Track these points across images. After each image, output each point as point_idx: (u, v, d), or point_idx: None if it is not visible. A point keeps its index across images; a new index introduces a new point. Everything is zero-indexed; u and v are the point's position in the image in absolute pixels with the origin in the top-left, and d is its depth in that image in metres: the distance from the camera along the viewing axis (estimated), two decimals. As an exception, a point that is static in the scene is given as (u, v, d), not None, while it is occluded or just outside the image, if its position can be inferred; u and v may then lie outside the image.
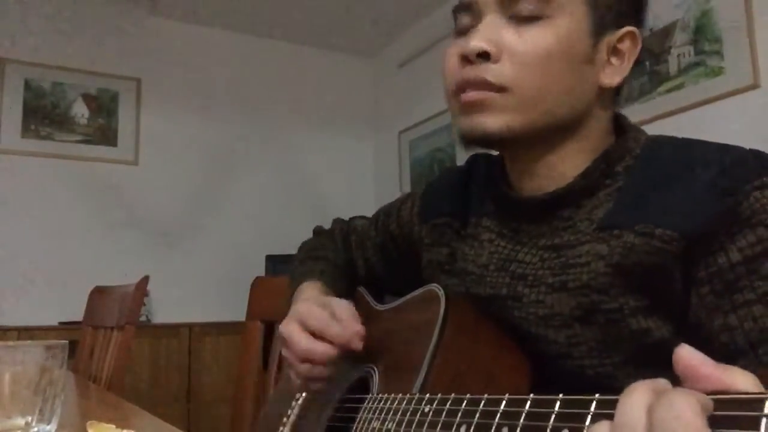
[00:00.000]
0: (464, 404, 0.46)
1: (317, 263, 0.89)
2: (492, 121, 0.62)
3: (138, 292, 1.62)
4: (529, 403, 0.39)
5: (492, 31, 0.63)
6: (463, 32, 0.67)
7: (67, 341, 0.64)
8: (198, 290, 3.49)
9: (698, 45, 2.31)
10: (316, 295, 0.79)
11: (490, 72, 0.62)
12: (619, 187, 0.63)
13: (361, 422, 0.65)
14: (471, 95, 0.63)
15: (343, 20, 3.77)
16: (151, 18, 3.65)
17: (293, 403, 0.84)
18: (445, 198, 0.81)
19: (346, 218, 1.00)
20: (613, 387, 0.33)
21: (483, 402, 0.44)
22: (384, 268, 0.90)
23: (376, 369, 0.72)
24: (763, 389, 0.28)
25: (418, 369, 0.62)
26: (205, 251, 3.60)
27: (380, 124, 4.22)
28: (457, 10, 0.68)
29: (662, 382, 0.30)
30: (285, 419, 0.83)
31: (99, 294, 1.92)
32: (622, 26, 0.66)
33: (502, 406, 0.42)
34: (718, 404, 0.28)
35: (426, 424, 0.50)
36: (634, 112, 2.44)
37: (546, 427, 0.36)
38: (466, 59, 0.63)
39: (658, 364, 0.42)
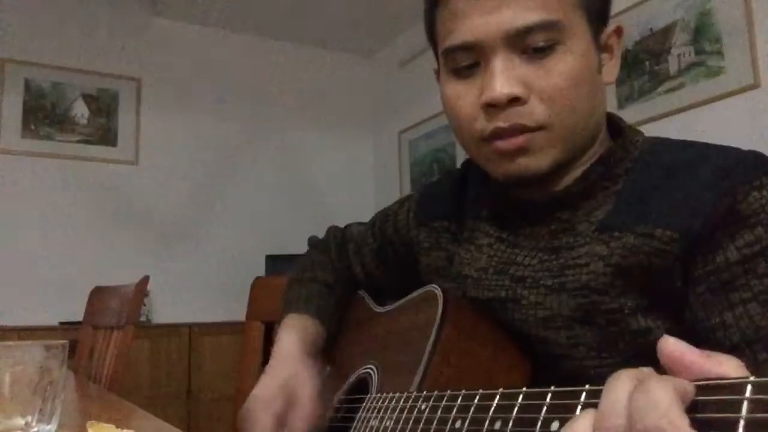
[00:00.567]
0: (459, 400, 0.47)
1: (303, 287, 0.90)
2: (539, 162, 0.62)
3: (138, 292, 1.62)
4: (521, 396, 0.40)
5: (512, 72, 0.60)
6: (464, 73, 0.64)
7: (67, 341, 0.64)
8: (198, 290, 3.50)
9: (698, 45, 2.31)
10: (289, 357, 0.78)
11: (524, 116, 0.60)
12: (618, 189, 0.63)
13: (360, 421, 0.65)
14: (512, 142, 0.61)
15: (343, 20, 3.77)
16: (151, 18, 3.65)
17: None
18: (442, 201, 0.80)
19: (346, 219, 1.01)
20: None
21: (477, 397, 0.45)
22: (382, 272, 0.90)
23: (375, 369, 0.73)
24: (747, 373, 0.29)
25: (416, 369, 0.62)
26: (205, 251, 3.60)
27: (380, 124, 4.23)
28: (454, 50, 0.63)
29: (646, 371, 0.31)
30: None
31: (99, 294, 1.92)
32: (605, 23, 0.66)
33: (496, 401, 0.42)
34: (700, 390, 0.28)
35: (423, 421, 0.51)
36: (634, 112, 2.44)
37: (537, 419, 0.37)
38: (491, 106, 0.61)
39: (658, 363, 0.42)
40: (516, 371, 0.64)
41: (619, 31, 0.67)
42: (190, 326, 3.22)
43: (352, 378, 0.78)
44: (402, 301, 0.77)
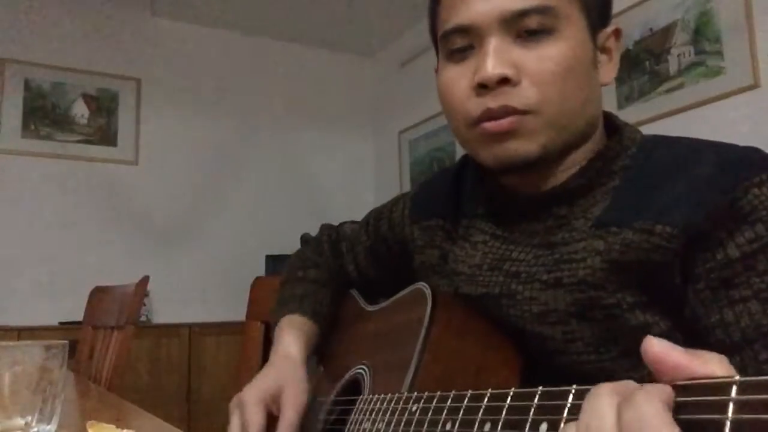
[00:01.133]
0: (449, 401, 0.47)
1: (297, 285, 0.90)
2: (528, 146, 0.61)
3: (138, 292, 1.62)
4: (510, 397, 0.40)
5: (505, 54, 0.61)
6: (458, 56, 0.65)
7: (67, 341, 0.64)
8: (198, 290, 3.50)
9: (698, 45, 2.31)
10: (286, 358, 0.78)
11: (513, 98, 0.60)
12: (616, 186, 0.63)
13: (353, 423, 0.65)
14: (500, 123, 0.61)
15: (343, 20, 3.77)
16: (151, 18, 3.65)
17: None
18: (436, 199, 0.80)
19: (346, 218, 1.01)
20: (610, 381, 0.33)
21: (467, 398, 0.45)
22: (376, 271, 0.90)
23: (367, 369, 0.73)
24: (733, 372, 0.28)
25: (406, 368, 0.62)
26: (205, 251, 3.60)
27: (380, 124, 4.23)
28: (450, 33, 0.64)
29: (629, 385, 0.30)
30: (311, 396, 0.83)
31: (99, 294, 1.92)
32: (605, 24, 0.66)
33: (485, 402, 0.42)
34: (685, 390, 0.28)
35: (414, 423, 0.51)
36: (634, 112, 2.44)
37: (526, 420, 0.37)
38: (482, 86, 0.61)
39: None
40: (508, 368, 0.64)
41: (617, 33, 0.67)
42: (190, 326, 3.22)
43: (345, 378, 0.78)
44: (391, 300, 0.77)
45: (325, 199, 3.93)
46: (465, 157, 0.80)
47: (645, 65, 2.48)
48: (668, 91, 2.39)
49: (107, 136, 3.50)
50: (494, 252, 0.69)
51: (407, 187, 3.83)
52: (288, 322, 0.84)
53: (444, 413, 0.47)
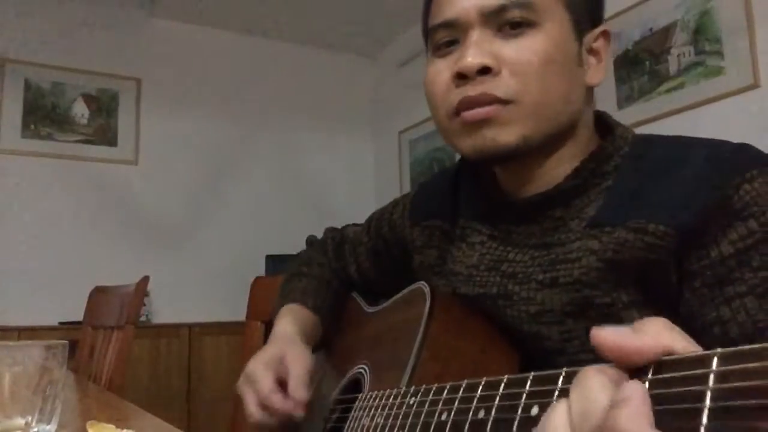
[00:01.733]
0: (445, 393, 0.48)
1: (301, 280, 0.91)
2: (507, 135, 0.62)
3: (138, 292, 1.63)
4: (503, 384, 0.41)
5: (486, 45, 0.62)
6: (443, 50, 0.66)
7: (67, 341, 0.64)
8: (198, 290, 3.49)
9: (698, 45, 2.31)
10: (283, 338, 0.79)
11: (493, 87, 0.61)
12: (609, 186, 0.63)
13: (353, 421, 0.65)
14: (478, 112, 0.62)
15: (343, 20, 3.77)
16: (151, 18, 3.65)
17: None
18: (435, 200, 0.81)
19: (346, 219, 1.01)
20: None
21: (462, 388, 0.45)
22: (377, 272, 0.91)
23: (367, 368, 0.73)
24: (676, 333, 0.29)
25: (405, 365, 0.63)
26: (205, 251, 3.60)
27: (380, 124, 4.23)
28: (435, 29, 0.66)
29: (614, 372, 0.30)
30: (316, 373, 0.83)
31: (99, 294, 1.92)
32: (594, 26, 0.67)
33: (479, 391, 0.43)
34: (661, 367, 0.28)
35: (411, 415, 0.52)
36: (634, 112, 2.44)
37: (518, 405, 0.38)
38: (462, 77, 0.62)
39: None
40: (505, 366, 0.64)
41: (606, 35, 0.68)
42: (190, 326, 3.22)
43: (346, 379, 0.78)
44: (391, 300, 0.77)
45: (325, 199, 3.93)
46: (462, 159, 0.80)
47: (645, 65, 2.48)
48: (668, 91, 2.39)
49: (107, 136, 3.50)
50: (491, 253, 0.70)
51: (407, 187, 3.83)
52: (288, 311, 0.85)
53: (440, 404, 0.48)
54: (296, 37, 3.96)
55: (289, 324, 0.82)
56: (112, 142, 3.50)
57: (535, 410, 0.36)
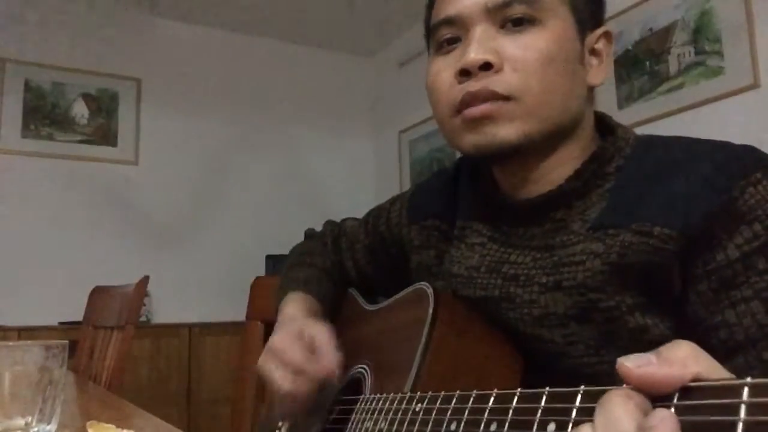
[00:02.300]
0: (454, 401, 0.47)
1: (303, 270, 0.90)
2: (507, 131, 0.61)
3: (138, 292, 1.62)
4: (516, 397, 0.40)
5: (488, 41, 0.62)
6: (446, 48, 0.66)
7: (67, 341, 0.64)
8: (198, 290, 3.49)
9: (698, 45, 2.31)
10: (295, 318, 0.78)
11: (495, 83, 0.61)
12: (611, 188, 0.63)
13: (355, 423, 0.65)
14: (479, 108, 0.61)
15: (343, 20, 3.77)
16: (151, 18, 3.65)
17: None
18: (433, 200, 0.81)
19: (349, 217, 1.00)
20: (611, 384, 0.33)
21: (472, 398, 0.45)
22: (374, 269, 0.90)
23: (368, 369, 0.73)
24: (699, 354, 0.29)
25: (408, 368, 0.62)
26: (205, 251, 3.60)
27: (380, 124, 4.22)
28: (438, 26, 0.66)
29: (640, 397, 0.30)
30: (281, 422, 0.83)
31: (99, 294, 1.92)
32: (596, 27, 0.67)
33: (490, 402, 0.42)
34: (691, 392, 0.28)
35: (417, 423, 0.51)
36: (634, 112, 2.44)
37: (533, 421, 0.37)
38: (465, 73, 0.62)
39: None
40: (509, 368, 0.64)
41: (608, 36, 0.68)
42: (190, 326, 3.22)
43: (346, 378, 0.78)
44: (392, 299, 0.77)
45: (325, 199, 3.93)
46: (462, 158, 0.80)
47: (645, 65, 2.48)
48: (668, 91, 2.39)
49: (107, 136, 3.50)
50: (492, 254, 0.69)
51: (407, 187, 3.82)
52: (293, 297, 0.84)
53: (448, 413, 0.47)
54: (296, 37, 3.96)
55: (297, 309, 0.80)
56: (112, 142, 3.50)
57: (551, 427, 0.36)
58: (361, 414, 0.64)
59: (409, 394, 0.55)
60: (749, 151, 0.57)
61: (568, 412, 0.35)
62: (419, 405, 0.52)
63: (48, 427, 0.61)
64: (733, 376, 0.29)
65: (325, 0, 3.54)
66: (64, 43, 3.42)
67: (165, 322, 3.33)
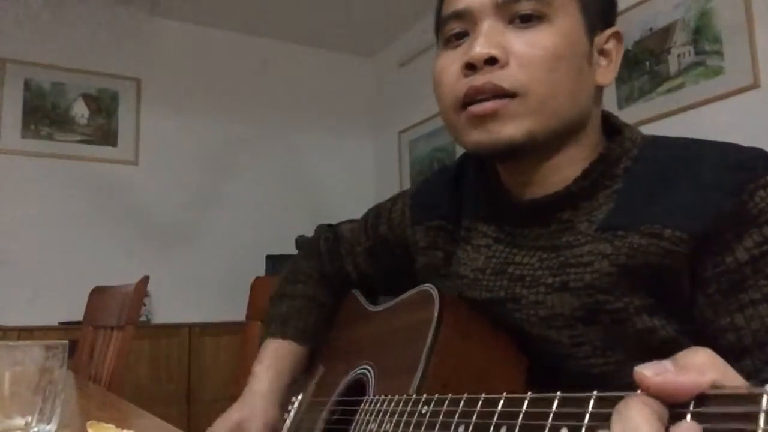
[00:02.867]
0: (462, 404, 0.46)
1: (285, 303, 0.92)
2: (512, 130, 0.61)
3: (138, 292, 1.62)
4: (527, 402, 0.39)
5: (495, 36, 0.61)
6: (454, 43, 0.66)
7: (67, 341, 0.64)
8: (198, 290, 3.49)
9: (698, 45, 2.30)
10: (256, 394, 0.84)
11: (500, 78, 0.60)
12: (619, 189, 0.62)
13: (359, 424, 0.65)
14: (484, 106, 0.61)
15: (343, 20, 3.77)
16: (151, 18, 3.65)
17: (290, 405, 0.84)
18: (437, 200, 0.80)
19: (346, 219, 1.00)
20: (618, 385, 0.33)
21: (481, 402, 0.44)
22: (375, 271, 0.89)
23: (371, 370, 0.72)
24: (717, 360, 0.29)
25: (414, 370, 0.62)
26: (205, 251, 3.59)
27: (380, 124, 4.22)
28: (446, 20, 0.66)
29: (658, 405, 0.30)
30: (283, 421, 0.83)
31: (99, 294, 1.92)
32: (606, 27, 0.66)
33: (500, 406, 0.41)
34: (708, 400, 0.28)
35: (424, 425, 0.50)
36: (634, 112, 2.44)
37: (545, 426, 0.36)
38: (470, 67, 0.62)
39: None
40: (515, 370, 0.64)
41: (618, 37, 0.67)
42: (190, 326, 3.21)
43: (348, 378, 0.77)
44: (396, 300, 0.77)
45: (325, 199, 3.93)
46: (464, 157, 0.79)
47: (645, 65, 2.48)
48: (668, 91, 2.39)
49: (107, 136, 3.50)
50: (497, 256, 0.69)
51: (407, 187, 3.82)
52: (267, 350, 0.87)
53: (456, 416, 0.46)
54: (296, 37, 3.96)
55: (263, 378, 0.85)
56: (112, 142, 3.50)
57: None
58: (366, 415, 0.64)
59: (414, 396, 0.54)
60: (758, 153, 0.57)
61: (581, 417, 0.34)
62: (426, 407, 0.51)
63: (48, 427, 0.61)
64: (749, 384, 0.29)
65: (325, 0, 3.54)
66: (64, 43, 3.41)
67: (165, 322, 3.32)
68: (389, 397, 0.59)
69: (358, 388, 0.73)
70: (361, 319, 0.85)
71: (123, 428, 0.65)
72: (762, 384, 0.26)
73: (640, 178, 0.62)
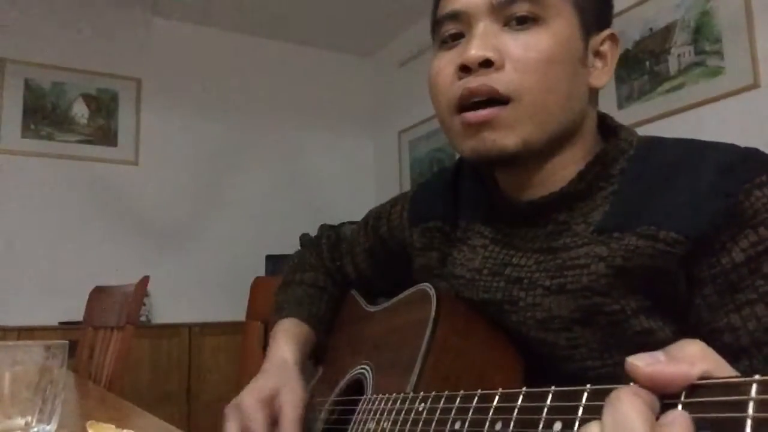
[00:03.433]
0: (458, 401, 0.46)
1: (295, 289, 0.90)
2: (506, 139, 0.61)
3: (138, 292, 1.62)
4: (521, 397, 0.39)
5: (490, 38, 0.61)
6: (449, 44, 0.65)
7: (67, 341, 0.64)
8: (198, 290, 3.49)
9: (698, 45, 2.31)
10: (282, 366, 0.77)
11: (495, 81, 0.60)
12: (615, 190, 0.62)
13: (357, 423, 0.65)
14: (478, 114, 0.61)
15: (343, 20, 3.77)
16: (151, 18, 3.65)
17: None
18: (435, 201, 0.80)
19: (346, 219, 1.00)
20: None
21: (476, 398, 0.44)
22: (375, 272, 0.90)
23: (369, 369, 0.73)
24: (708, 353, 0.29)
25: (411, 369, 0.62)
26: (205, 251, 3.60)
27: (380, 124, 4.22)
28: (442, 21, 0.66)
29: (649, 395, 0.30)
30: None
31: (99, 294, 1.92)
32: (601, 29, 0.66)
33: (495, 402, 0.42)
34: (700, 389, 0.28)
35: (421, 422, 0.51)
36: (634, 112, 2.44)
37: (539, 420, 0.37)
38: (465, 69, 0.62)
39: None
40: (512, 369, 0.64)
41: (613, 39, 0.67)
42: (190, 326, 3.21)
43: (347, 378, 0.77)
44: (394, 300, 0.77)
45: (325, 199, 3.93)
46: (462, 159, 0.80)
47: (645, 65, 2.48)
48: (668, 91, 2.39)
49: (107, 136, 3.50)
50: (494, 257, 0.69)
51: (407, 187, 3.82)
52: (282, 327, 0.84)
53: (453, 413, 0.46)
54: (296, 37, 3.96)
55: (286, 348, 0.80)
56: (112, 142, 3.50)
57: (557, 426, 0.35)
58: (364, 414, 0.64)
59: (412, 394, 0.55)
60: (754, 153, 0.57)
61: (575, 410, 0.34)
62: (422, 405, 0.51)
63: (48, 427, 0.61)
64: (739, 374, 0.29)
65: (325, 0, 3.54)
66: (64, 43, 3.41)
67: (165, 322, 3.32)
68: (387, 395, 0.60)
69: (356, 387, 0.73)
70: (359, 320, 0.85)
71: (123, 428, 0.65)
72: None
73: (636, 180, 0.62)
